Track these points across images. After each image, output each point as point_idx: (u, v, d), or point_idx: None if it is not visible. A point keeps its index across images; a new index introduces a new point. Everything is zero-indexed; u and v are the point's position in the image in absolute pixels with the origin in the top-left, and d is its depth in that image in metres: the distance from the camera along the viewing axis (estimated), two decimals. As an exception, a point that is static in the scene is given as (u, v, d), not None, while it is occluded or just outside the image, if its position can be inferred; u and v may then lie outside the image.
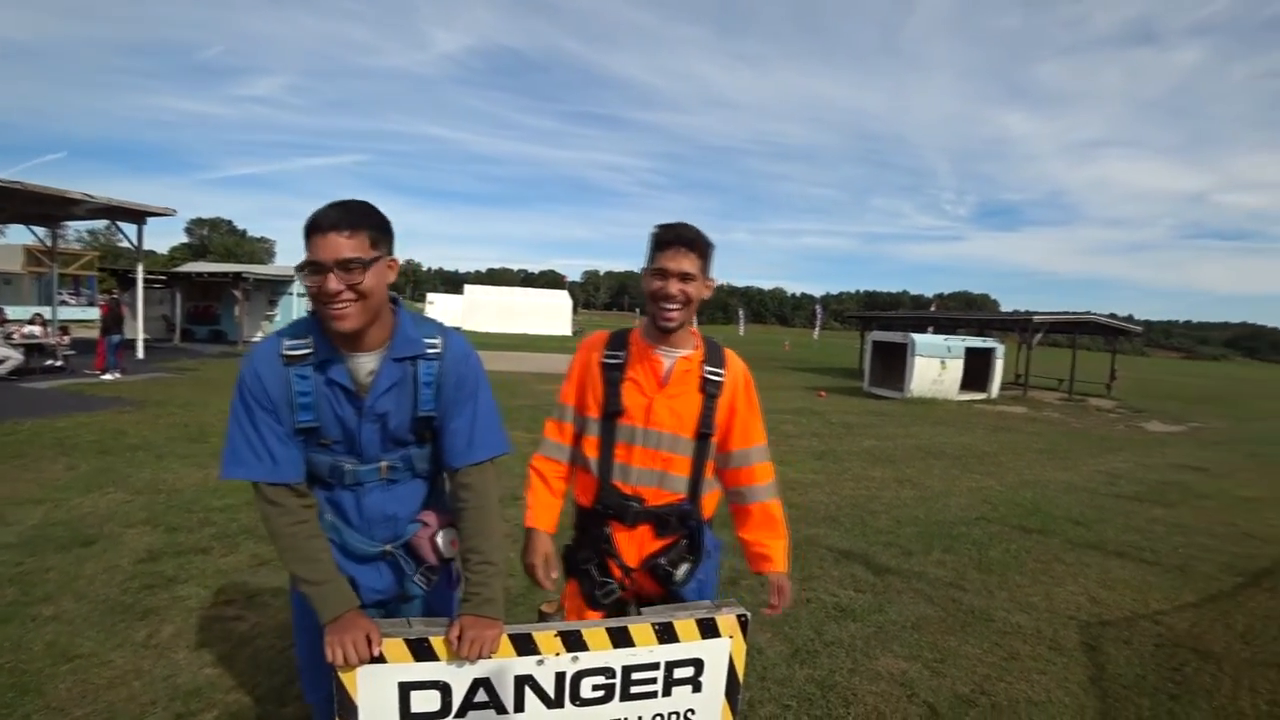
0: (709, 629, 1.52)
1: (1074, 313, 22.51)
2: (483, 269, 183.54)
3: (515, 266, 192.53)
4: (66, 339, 14.49)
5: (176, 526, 4.76)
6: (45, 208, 14.90)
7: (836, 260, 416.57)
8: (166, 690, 2.77)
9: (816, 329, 49.26)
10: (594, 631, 1.44)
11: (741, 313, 46.91)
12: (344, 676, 1.34)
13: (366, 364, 1.52)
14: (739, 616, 1.55)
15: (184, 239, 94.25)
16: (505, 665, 1.41)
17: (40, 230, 18.00)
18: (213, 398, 11.01)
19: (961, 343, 18.56)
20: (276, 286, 25.49)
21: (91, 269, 29.91)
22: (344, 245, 1.38)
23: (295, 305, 25.72)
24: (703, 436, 1.81)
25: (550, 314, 49.37)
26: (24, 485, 5.65)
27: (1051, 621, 3.96)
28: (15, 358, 12.17)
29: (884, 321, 27.59)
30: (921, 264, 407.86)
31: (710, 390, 1.81)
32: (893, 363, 18.07)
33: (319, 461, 1.55)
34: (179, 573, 3.97)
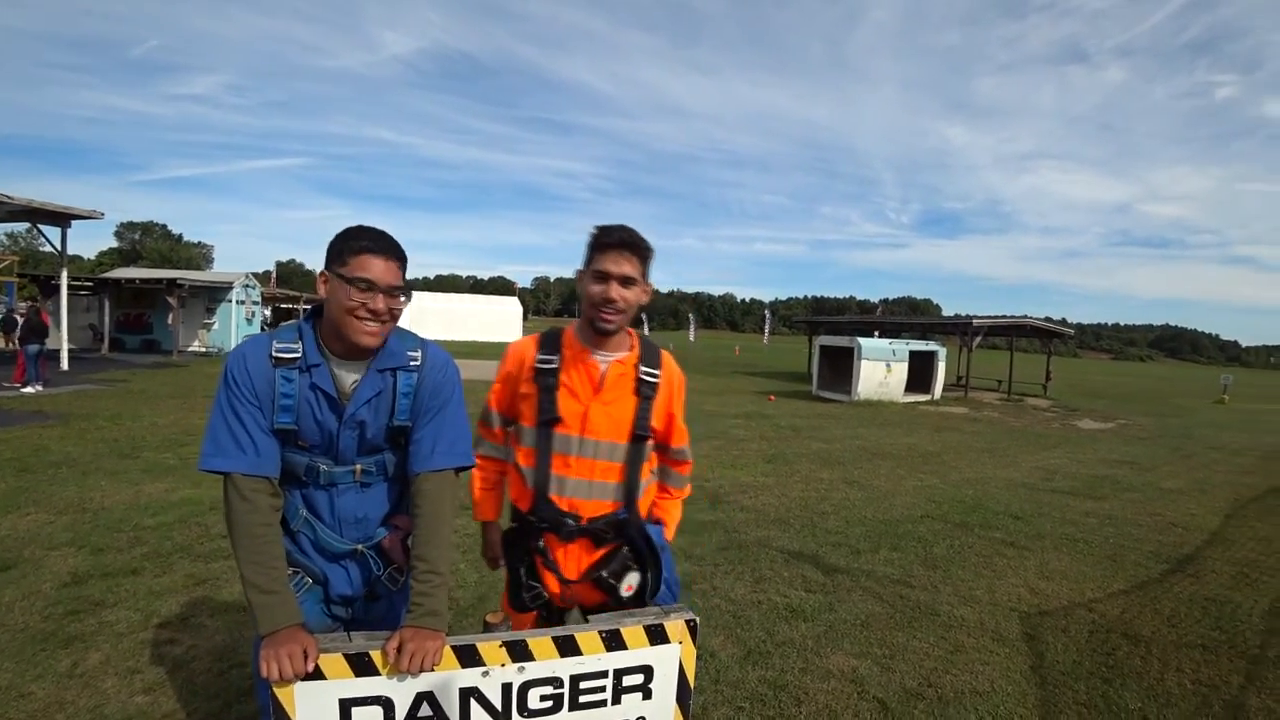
0: (657, 635, 1.51)
1: (1011, 316, 23.48)
2: (431, 275, 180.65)
3: (465, 273, 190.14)
4: (-18, 350, 13.61)
5: (104, 547, 4.51)
6: (-43, 211, 14.00)
7: (786, 266, 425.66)
8: (91, 721, 2.61)
9: (766, 334, 49.88)
10: (540, 641, 1.42)
11: (692, 318, 47.08)
12: (280, 693, 1.29)
13: (351, 374, 1.59)
14: (688, 621, 1.54)
15: (114, 243, 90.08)
16: (449, 678, 1.38)
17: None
18: (145, 410, 10.51)
19: (906, 346, 19.14)
20: (214, 294, 24.54)
21: (10, 275, 28.18)
22: (395, 273, 1.53)
23: (235, 313, 24.80)
24: (638, 439, 1.79)
25: (500, 321, 48.77)
26: (-68, 507, 5.27)
27: (994, 613, 4.09)
28: (-77, 371, 11.36)
29: (831, 326, 28.22)
30: (868, 270, 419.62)
31: (645, 392, 1.79)
32: (840, 366, 18.49)
33: (295, 461, 1.59)
34: (107, 596, 3.75)
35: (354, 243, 1.51)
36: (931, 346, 20.02)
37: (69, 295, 16.76)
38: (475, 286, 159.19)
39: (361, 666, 1.34)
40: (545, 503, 1.77)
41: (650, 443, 1.85)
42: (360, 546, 1.67)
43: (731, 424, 12.30)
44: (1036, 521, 6.43)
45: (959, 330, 22.66)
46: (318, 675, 1.31)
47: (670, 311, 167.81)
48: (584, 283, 1.75)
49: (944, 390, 20.25)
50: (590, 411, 1.75)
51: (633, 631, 1.49)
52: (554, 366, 1.79)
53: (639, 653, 1.51)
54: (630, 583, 1.77)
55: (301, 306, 34.23)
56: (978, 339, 22.04)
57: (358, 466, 1.64)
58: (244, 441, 1.48)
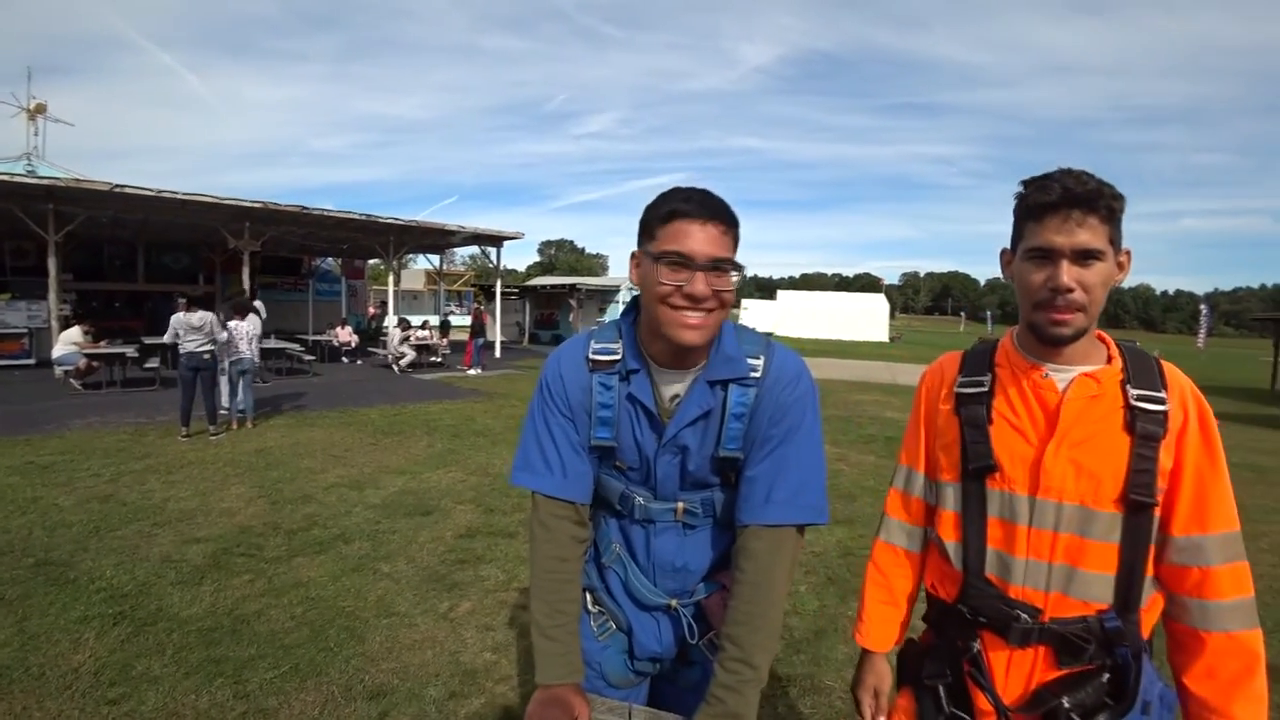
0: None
1: None
2: (795, 274, 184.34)
3: (829, 270, 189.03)
4: (445, 341, 17.96)
5: (493, 508, 5.32)
6: (434, 239, 18.75)
7: (1229, 246, 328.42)
8: (450, 665, 2.97)
9: (1201, 336, 38.55)
10: None
11: (1093, 318, 38.80)
12: None
13: (675, 384, 1.28)
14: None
15: (537, 258, 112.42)
16: None
17: (435, 257, 22.75)
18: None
19: None
20: (605, 296, 28.71)
21: (468, 286, 37.23)
22: (719, 241, 1.16)
23: (620, 311, 28.68)
24: (1137, 507, 1.11)
25: (866, 319, 47.29)
26: (396, 457, 6.93)
27: None
28: (411, 355, 15.46)
29: (1322, 328, 20.43)
30: None
31: (1144, 428, 1.10)
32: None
33: (610, 485, 1.37)
34: (486, 552, 4.37)
35: (663, 208, 1.18)
36: None
37: (502, 300, 21.24)
38: (840, 284, 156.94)
39: None
40: (982, 586, 1.21)
41: (1156, 515, 1.12)
42: (674, 602, 1.35)
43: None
44: None
45: None
46: None
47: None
48: (1017, 270, 1.18)
49: None
50: (1046, 457, 1.14)
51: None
52: (984, 390, 1.23)
53: None
54: None
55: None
56: None
57: (680, 504, 1.32)
58: (552, 459, 1.29)
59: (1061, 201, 1.08)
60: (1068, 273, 1.08)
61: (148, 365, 11.84)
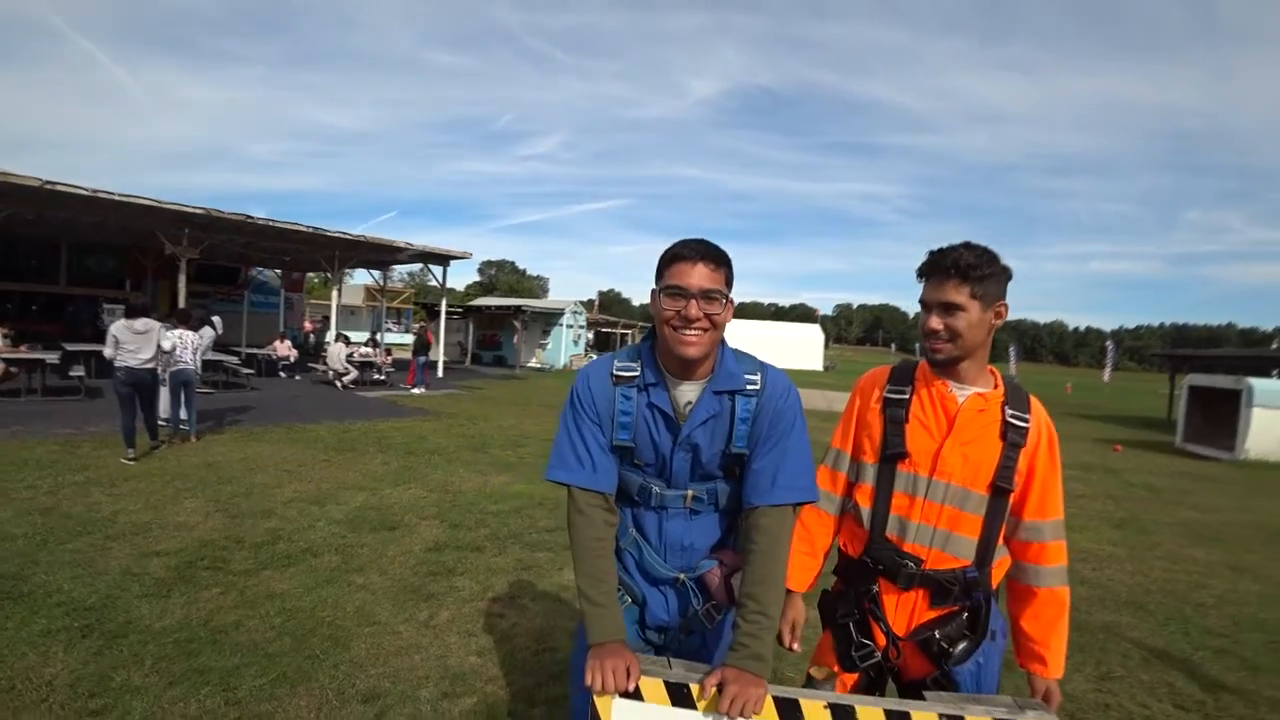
0: (1011, 733, 1.21)
1: None
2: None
3: (766, 300, 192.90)
4: (389, 359, 17.65)
5: (458, 524, 5.40)
6: (378, 255, 18.48)
7: (1132, 287, 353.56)
8: (438, 668, 3.08)
9: (1107, 369, 41.60)
10: (870, 710, 1.23)
11: (1012, 350, 40.93)
12: (600, 702, 1.32)
13: (687, 393, 1.57)
14: (1048, 727, 1.22)
15: (477, 277, 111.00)
16: None
17: (376, 273, 22.35)
18: (493, 413, 12.54)
19: (1331, 394, 14.30)
20: (549, 319, 28.58)
21: (409, 303, 36.57)
22: (709, 277, 1.48)
23: (564, 335, 28.58)
24: (999, 492, 1.54)
25: (801, 348, 48.72)
26: (352, 474, 6.89)
27: None
28: (354, 373, 15.16)
29: (1206, 362, 22.44)
30: (1255, 289, 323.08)
31: (1013, 438, 1.54)
32: (1219, 414, 14.52)
33: (630, 479, 1.63)
34: (457, 565, 4.46)
35: (668, 253, 1.52)
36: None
37: (446, 319, 21.04)
38: (776, 313, 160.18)
39: (679, 697, 1.31)
40: (882, 542, 1.61)
41: (1010, 500, 1.57)
42: (682, 575, 1.63)
43: (1067, 475, 10.28)
44: None
45: None
46: (636, 695, 1.31)
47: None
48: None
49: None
50: (944, 449, 1.56)
51: (980, 724, 1.21)
52: (904, 397, 1.64)
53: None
54: (960, 655, 1.53)
55: (619, 332, 38.05)
56: None
57: (689, 492, 1.61)
58: (583, 457, 1.54)
59: (931, 269, 1.56)
60: (934, 320, 1.54)
61: (71, 373, 11.24)
